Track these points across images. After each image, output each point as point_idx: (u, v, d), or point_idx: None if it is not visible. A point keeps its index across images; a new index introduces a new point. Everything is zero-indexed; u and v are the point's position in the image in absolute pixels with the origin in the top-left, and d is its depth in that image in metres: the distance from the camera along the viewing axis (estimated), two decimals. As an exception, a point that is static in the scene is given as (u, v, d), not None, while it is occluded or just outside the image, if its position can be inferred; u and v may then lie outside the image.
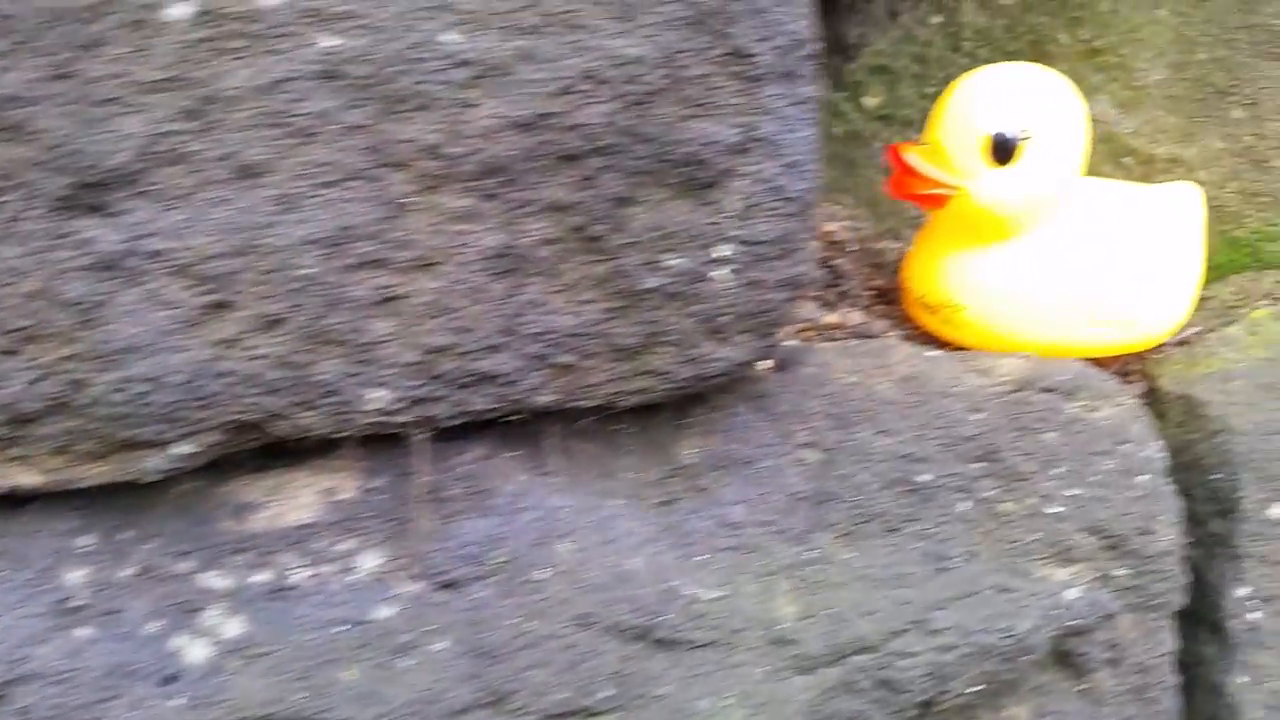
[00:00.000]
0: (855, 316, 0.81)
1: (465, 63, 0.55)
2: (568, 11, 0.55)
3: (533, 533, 0.63)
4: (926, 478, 0.68)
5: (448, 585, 0.62)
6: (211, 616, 0.59)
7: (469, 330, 0.58)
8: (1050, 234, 0.74)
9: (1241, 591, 0.74)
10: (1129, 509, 0.70)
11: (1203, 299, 0.88)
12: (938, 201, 0.73)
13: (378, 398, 0.58)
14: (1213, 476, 0.74)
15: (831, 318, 0.80)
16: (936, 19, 0.93)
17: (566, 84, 0.55)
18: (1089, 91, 0.88)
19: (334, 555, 0.62)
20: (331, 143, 0.55)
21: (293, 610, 0.61)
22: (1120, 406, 0.71)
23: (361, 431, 0.59)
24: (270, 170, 0.54)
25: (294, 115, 0.54)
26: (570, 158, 0.57)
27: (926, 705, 0.67)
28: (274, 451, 0.62)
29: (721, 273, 0.61)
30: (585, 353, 0.61)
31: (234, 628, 0.60)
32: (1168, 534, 0.70)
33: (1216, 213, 0.88)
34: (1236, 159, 0.87)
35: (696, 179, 0.59)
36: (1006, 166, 0.71)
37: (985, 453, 0.69)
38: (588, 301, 0.60)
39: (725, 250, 0.61)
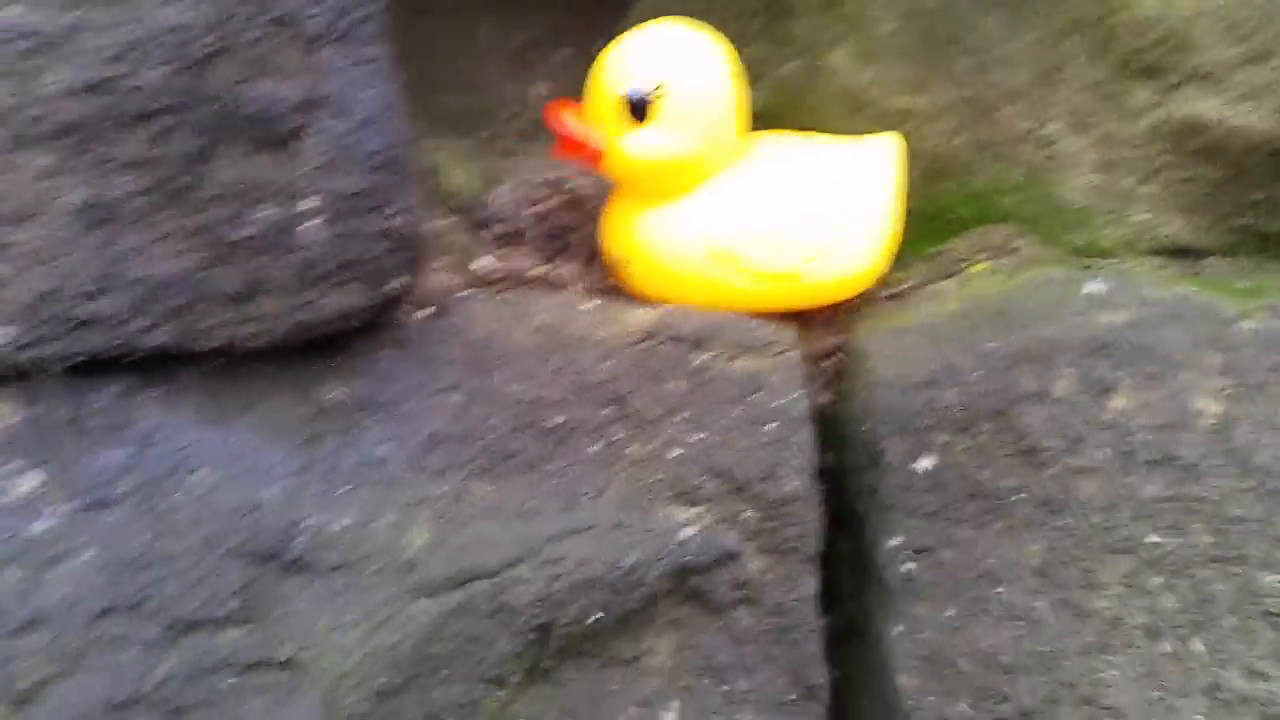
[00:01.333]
0: (566, 271, 0.84)
1: (28, 34, 0.60)
2: (115, -16, 0.60)
3: (166, 462, 0.68)
4: (558, 421, 0.72)
5: (91, 505, 0.68)
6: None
7: (72, 276, 0.64)
8: (715, 189, 0.76)
9: (893, 542, 0.75)
10: (754, 455, 0.72)
11: (937, 253, 0.89)
12: (592, 159, 0.75)
13: (3, 333, 0.65)
14: (862, 428, 0.75)
15: (539, 270, 0.84)
16: (695, -26, 0.95)
17: (121, 50, 0.60)
18: (829, 44, 0.89)
19: (3, 474, 0.68)
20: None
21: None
22: (762, 357, 0.73)
23: (-4, 367, 0.66)
24: None
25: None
26: (140, 116, 0.62)
27: (545, 630, 0.70)
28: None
29: (312, 224, 0.66)
30: (190, 298, 0.66)
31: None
32: (794, 480, 0.72)
33: (951, 165, 0.88)
34: (965, 109, 0.87)
35: (270, 135, 0.64)
36: (644, 124, 0.73)
37: (613, 398, 0.72)
38: (185, 251, 0.65)
39: (312, 203, 0.65)
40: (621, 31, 0.95)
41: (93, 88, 0.61)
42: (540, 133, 0.95)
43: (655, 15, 0.94)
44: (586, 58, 0.98)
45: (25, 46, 0.60)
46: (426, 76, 0.94)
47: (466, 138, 0.93)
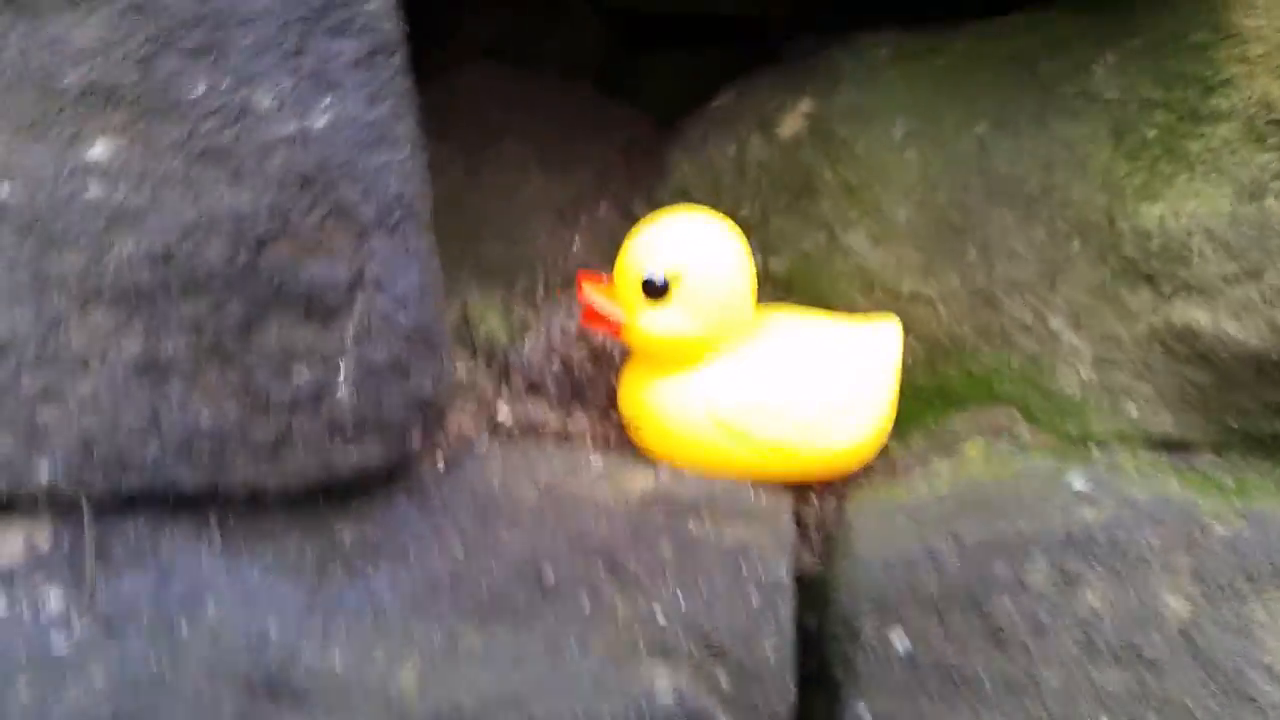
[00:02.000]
0: (583, 422, 0.90)
1: (106, 209, 0.67)
2: (187, 172, 0.67)
3: (183, 592, 0.73)
4: (552, 576, 0.76)
5: (108, 629, 0.73)
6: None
7: (119, 422, 0.70)
8: (723, 364, 0.81)
9: (864, 717, 0.78)
10: (737, 623, 0.75)
11: (937, 428, 0.93)
12: (614, 330, 0.81)
13: (45, 471, 0.71)
14: (843, 602, 0.79)
15: (556, 421, 0.89)
16: (731, 150, 1.01)
17: (187, 229, 0.67)
18: (847, 225, 0.95)
19: (32, 595, 0.74)
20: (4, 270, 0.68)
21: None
22: (753, 525, 0.78)
23: (36, 497, 0.72)
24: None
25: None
26: (198, 286, 0.68)
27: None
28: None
29: (344, 387, 0.71)
30: (224, 447, 0.71)
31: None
32: (772, 650, 0.75)
33: (955, 347, 0.93)
34: (971, 296, 0.91)
35: (316, 309, 0.69)
36: (661, 305, 0.79)
37: (607, 559, 0.76)
38: (226, 405, 0.71)
39: (346, 369, 0.71)
40: (659, 196, 1.02)
41: (158, 259, 0.67)
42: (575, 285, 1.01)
43: (693, 183, 1.01)
44: (626, 214, 1.05)
45: (102, 220, 0.67)
46: (472, 227, 1.01)
47: (504, 287, 0.99)
